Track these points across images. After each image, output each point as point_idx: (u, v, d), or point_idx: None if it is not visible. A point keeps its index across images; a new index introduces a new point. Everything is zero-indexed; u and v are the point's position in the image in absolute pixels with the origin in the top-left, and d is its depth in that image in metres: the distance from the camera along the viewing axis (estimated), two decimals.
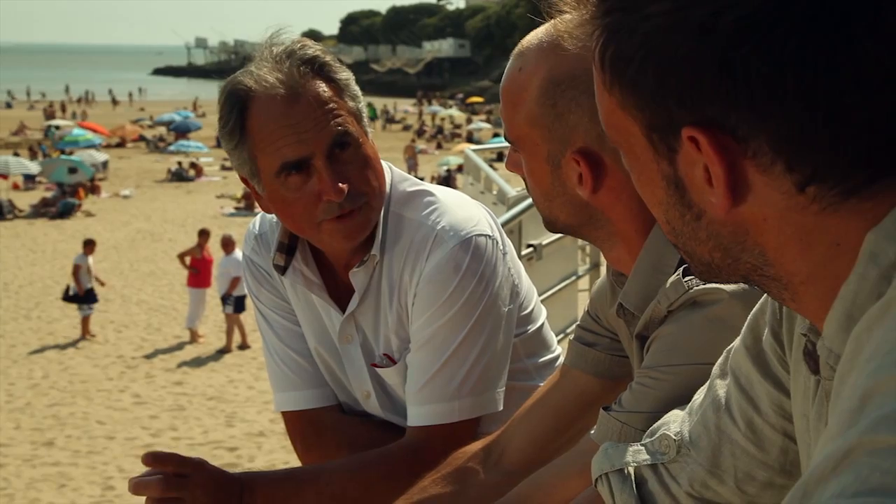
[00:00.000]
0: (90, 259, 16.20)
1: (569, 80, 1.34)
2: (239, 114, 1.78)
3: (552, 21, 1.38)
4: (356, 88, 1.86)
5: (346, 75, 1.84)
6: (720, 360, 1.10)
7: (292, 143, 1.75)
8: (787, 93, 0.72)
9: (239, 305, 14.91)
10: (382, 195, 1.85)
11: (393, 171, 1.93)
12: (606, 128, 0.86)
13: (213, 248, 16.81)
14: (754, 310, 1.03)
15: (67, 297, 15.85)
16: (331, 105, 1.78)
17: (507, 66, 1.44)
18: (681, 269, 1.29)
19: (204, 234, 16.39)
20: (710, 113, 0.75)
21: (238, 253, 15.05)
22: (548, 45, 1.37)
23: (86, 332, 15.30)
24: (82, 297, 15.63)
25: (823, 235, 0.76)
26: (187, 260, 16.21)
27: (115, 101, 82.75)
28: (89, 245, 16.53)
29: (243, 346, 14.95)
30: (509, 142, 1.45)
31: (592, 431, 1.38)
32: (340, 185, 1.76)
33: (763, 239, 0.79)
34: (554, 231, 1.49)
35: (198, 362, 14.24)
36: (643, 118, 0.80)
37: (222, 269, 15.35)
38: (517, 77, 1.40)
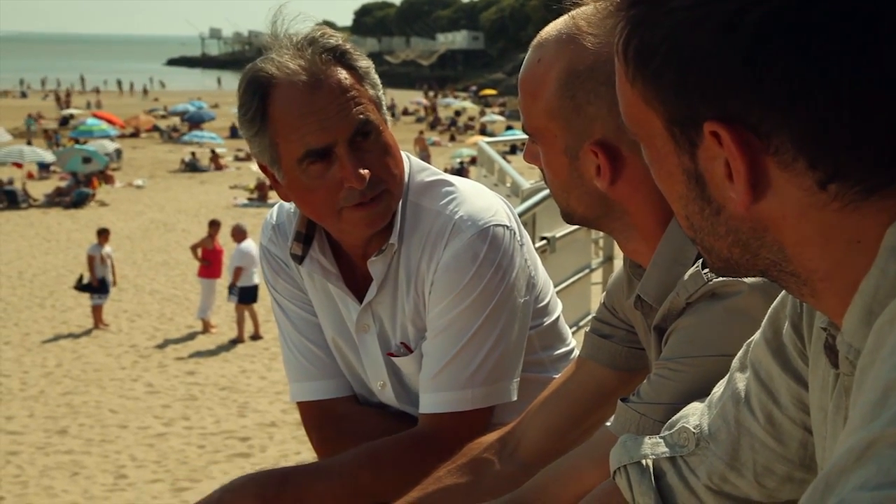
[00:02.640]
0: (108, 249, 16.24)
1: (588, 71, 1.34)
2: (260, 101, 1.78)
3: (571, 13, 1.38)
4: (376, 76, 1.86)
5: (366, 63, 1.84)
6: (740, 354, 1.09)
7: (315, 130, 1.75)
8: (811, 90, 0.72)
9: (244, 295, 14.98)
10: (402, 183, 1.85)
11: (411, 161, 1.93)
12: (627, 121, 0.86)
13: (224, 238, 16.83)
14: (775, 303, 1.03)
15: (80, 287, 15.91)
16: (353, 93, 1.78)
17: (526, 58, 1.44)
18: (700, 261, 1.29)
19: (214, 225, 16.45)
20: (733, 108, 0.75)
21: (247, 243, 15.22)
22: (567, 36, 1.36)
23: (98, 322, 15.37)
24: (95, 286, 15.69)
25: (844, 233, 0.75)
26: (199, 252, 16.24)
27: (121, 90, 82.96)
28: (103, 234, 16.58)
29: (255, 336, 14.99)
30: (528, 133, 1.45)
31: (609, 423, 1.38)
32: (362, 172, 1.76)
33: (782, 235, 0.78)
34: (571, 223, 1.49)
35: (210, 352, 14.28)
36: (665, 112, 0.80)
37: (234, 259, 15.42)
38: (536, 69, 1.40)
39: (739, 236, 0.81)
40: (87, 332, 15.12)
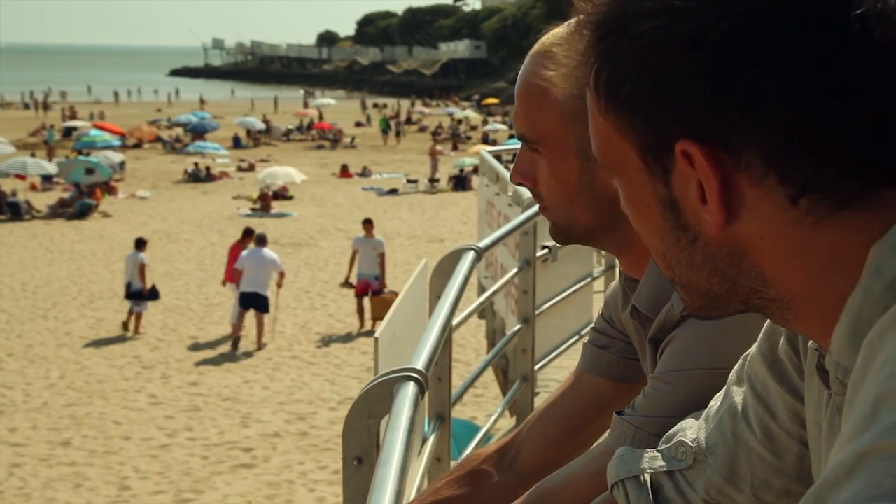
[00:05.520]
0: (143, 255, 16.50)
1: None
2: None
3: (568, 22, 1.38)
4: None
5: None
6: (737, 367, 1.09)
7: None
8: (775, 102, 0.72)
9: (243, 301, 15.19)
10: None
11: None
12: (601, 154, 0.86)
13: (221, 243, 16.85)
14: None
15: (131, 294, 16.09)
16: None
17: (526, 66, 1.43)
18: None
19: (248, 235, 16.59)
20: (702, 126, 0.75)
21: (254, 249, 15.50)
22: (575, 40, 1.36)
23: (138, 328, 15.70)
24: (147, 294, 16.10)
25: (819, 251, 0.75)
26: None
27: (116, 101, 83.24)
28: (143, 244, 16.81)
29: (259, 345, 15.03)
30: (528, 142, 1.43)
31: (606, 435, 1.38)
32: None
33: (760, 258, 0.78)
34: (567, 240, 1.47)
35: (213, 363, 14.29)
36: (637, 140, 0.80)
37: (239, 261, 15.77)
38: (543, 72, 1.39)
39: (717, 264, 0.81)
40: (93, 343, 15.14)
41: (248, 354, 14.75)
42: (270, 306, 15.52)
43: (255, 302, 15.23)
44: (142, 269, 16.27)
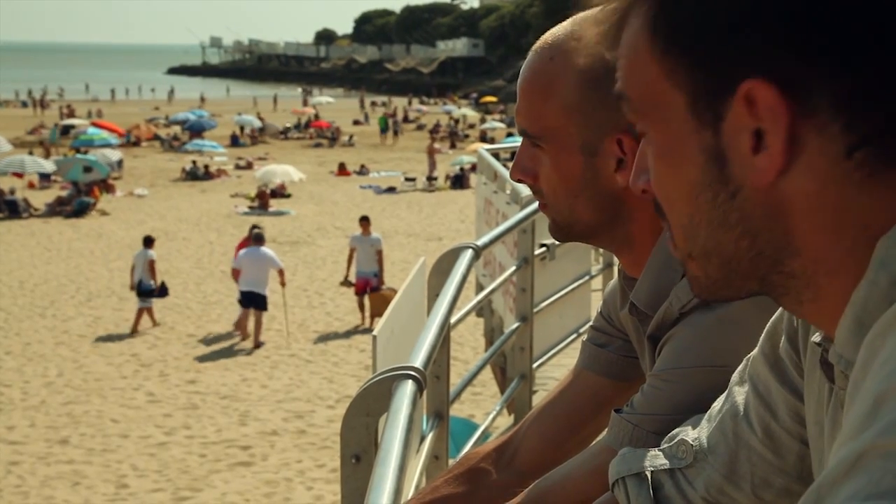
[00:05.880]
0: (152, 252, 16.69)
1: (613, 61, 1.33)
2: None
3: (572, 17, 1.38)
4: None
5: None
6: (739, 368, 1.09)
7: None
8: (861, 45, 0.70)
9: (242, 300, 15.39)
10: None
11: None
12: (640, 105, 0.83)
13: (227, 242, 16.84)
14: (773, 318, 1.02)
15: (142, 291, 16.22)
16: None
17: (529, 60, 1.41)
18: None
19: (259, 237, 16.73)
20: (776, 67, 0.72)
21: (252, 248, 15.62)
22: (580, 34, 1.36)
23: (153, 322, 15.98)
24: (157, 291, 16.36)
25: (856, 215, 0.74)
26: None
27: (113, 99, 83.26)
28: (151, 241, 17.03)
29: (257, 343, 15.04)
30: (531, 137, 1.42)
31: (605, 433, 1.38)
32: None
33: (795, 222, 0.76)
34: (568, 237, 1.46)
35: (211, 361, 14.28)
36: (693, 84, 0.77)
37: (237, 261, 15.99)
38: (547, 67, 1.38)
39: (751, 224, 0.78)
40: (91, 341, 15.13)
41: (247, 353, 14.74)
42: (278, 305, 15.64)
43: (253, 300, 15.31)
44: (152, 265, 16.43)
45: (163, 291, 16.63)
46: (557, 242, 6.14)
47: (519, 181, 1.48)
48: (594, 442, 1.44)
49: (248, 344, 15.11)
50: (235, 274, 15.68)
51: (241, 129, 50.05)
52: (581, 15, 1.38)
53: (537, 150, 1.43)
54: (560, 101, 1.37)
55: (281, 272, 15.73)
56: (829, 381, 0.84)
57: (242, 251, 15.82)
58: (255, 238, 15.86)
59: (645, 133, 0.84)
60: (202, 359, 14.37)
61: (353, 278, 16.66)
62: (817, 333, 0.86)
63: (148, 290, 16.21)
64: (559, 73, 1.37)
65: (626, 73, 0.84)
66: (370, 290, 16.17)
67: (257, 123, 51.58)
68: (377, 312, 14.82)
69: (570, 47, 1.37)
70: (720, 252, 0.81)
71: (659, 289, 1.34)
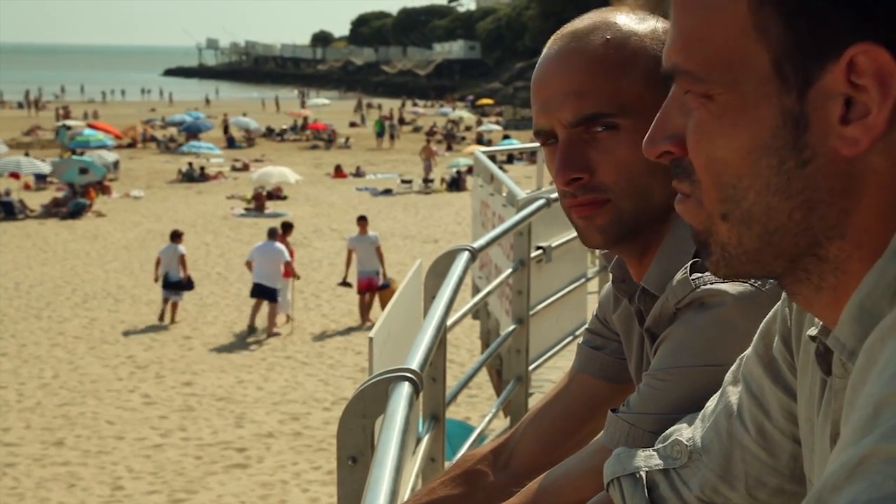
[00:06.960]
0: (181, 247, 17.13)
1: None
2: None
3: (587, 15, 1.39)
4: None
5: None
6: (733, 368, 1.09)
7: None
8: None
9: (253, 291, 15.96)
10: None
11: None
12: (709, 65, 0.77)
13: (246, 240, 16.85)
14: (767, 318, 1.03)
15: (169, 284, 16.57)
16: None
17: (575, 49, 1.34)
18: (689, 265, 1.29)
19: (287, 228, 17.32)
20: (890, 31, 0.69)
21: (265, 243, 16.34)
22: (612, 16, 1.36)
23: (174, 317, 16.32)
24: (184, 284, 16.78)
25: None
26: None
27: (104, 100, 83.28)
28: (179, 235, 17.40)
29: (270, 333, 15.59)
30: (607, 115, 1.33)
31: (601, 434, 1.38)
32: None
33: (859, 199, 0.73)
34: (622, 238, 1.36)
35: (207, 362, 14.27)
36: (786, 41, 0.73)
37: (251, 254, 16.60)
38: (608, 46, 1.33)
39: (813, 196, 0.74)
40: (87, 343, 15.11)
41: (247, 352, 14.74)
42: (287, 300, 16.17)
43: (264, 293, 15.89)
44: (182, 259, 16.88)
45: (189, 284, 17.00)
46: (553, 245, 6.10)
47: (572, 182, 1.35)
48: (591, 442, 1.44)
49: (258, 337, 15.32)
50: (249, 266, 16.33)
51: (226, 128, 50.25)
52: (590, 13, 1.39)
53: (600, 136, 1.34)
54: (639, 71, 1.33)
55: (286, 264, 16.13)
56: (824, 373, 0.84)
57: (255, 246, 16.52)
58: (269, 233, 16.46)
59: (708, 95, 0.78)
60: (198, 360, 14.35)
61: (351, 279, 16.75)
62: (813, 327, 0.85)
63: (176, 283, 16.59)
64: (631, 46, 1.34)
65: (690, 37, 0.78)
66: (379, 287, 16.34)
67: (255, 125, 51.58)
68: None
69: (631, 21, 1.36)
70: (768, 220, 0.77)
71: (672, 272, 1.32)
